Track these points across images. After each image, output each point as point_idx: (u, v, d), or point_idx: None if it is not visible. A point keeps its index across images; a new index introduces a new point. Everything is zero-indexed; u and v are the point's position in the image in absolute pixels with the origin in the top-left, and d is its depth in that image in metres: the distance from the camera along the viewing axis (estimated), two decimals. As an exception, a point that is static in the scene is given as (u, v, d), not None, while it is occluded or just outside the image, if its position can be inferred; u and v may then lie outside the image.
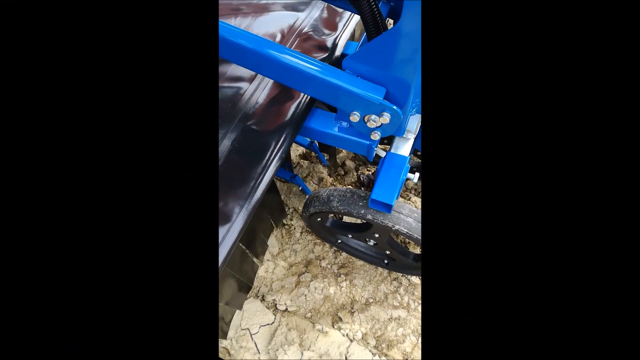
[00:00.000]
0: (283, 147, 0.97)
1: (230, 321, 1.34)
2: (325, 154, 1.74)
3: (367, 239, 1.31)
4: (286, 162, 1.50)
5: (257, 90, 1.06)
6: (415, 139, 1.08)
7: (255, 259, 1.36)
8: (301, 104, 1.03)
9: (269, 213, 1.38)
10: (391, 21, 1.13)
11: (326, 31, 1.24)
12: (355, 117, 0.86)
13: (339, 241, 1.45)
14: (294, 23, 1.25)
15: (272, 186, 1.18)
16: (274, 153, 0.96)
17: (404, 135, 1.07)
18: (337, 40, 1.21)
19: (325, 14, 1.28)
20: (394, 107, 0.81)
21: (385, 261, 1.43)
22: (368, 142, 0.97)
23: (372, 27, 0.80)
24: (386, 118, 0.84)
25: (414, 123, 1.02)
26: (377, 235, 1.24)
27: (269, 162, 0.94)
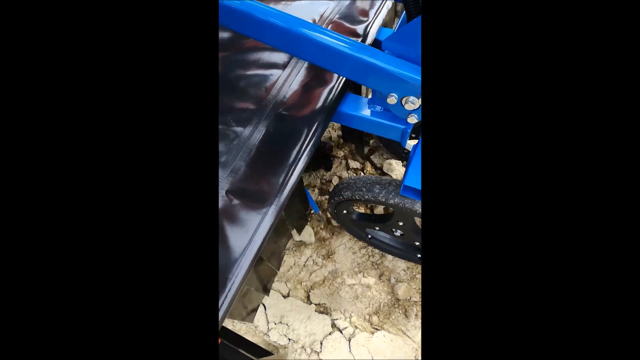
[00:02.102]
0: (317, 133, 0.96)
1: (257, 307, 1.34)
2: (351, 145, 1.73)
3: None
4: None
5: (291, 76, 1.06)
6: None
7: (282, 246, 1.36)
8: (335, 89, 1.03)
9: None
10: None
11: (358, 18, 1.23)
12: (392, 99, 0.85)
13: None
14: (324, 11, 1.25)
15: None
16: (308, 139, 0.95)
17: (439, 121, 1.05)
18: (368, 28, 1.20)
19: (356, 2, 1.28)
20: (434, 88, 0.80)
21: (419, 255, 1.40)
22: (403, 127, 0.96)
23: (412, 6, 0.79)
24: (425, 99, 0.82)
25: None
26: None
27: (303, 148, 0.93)
